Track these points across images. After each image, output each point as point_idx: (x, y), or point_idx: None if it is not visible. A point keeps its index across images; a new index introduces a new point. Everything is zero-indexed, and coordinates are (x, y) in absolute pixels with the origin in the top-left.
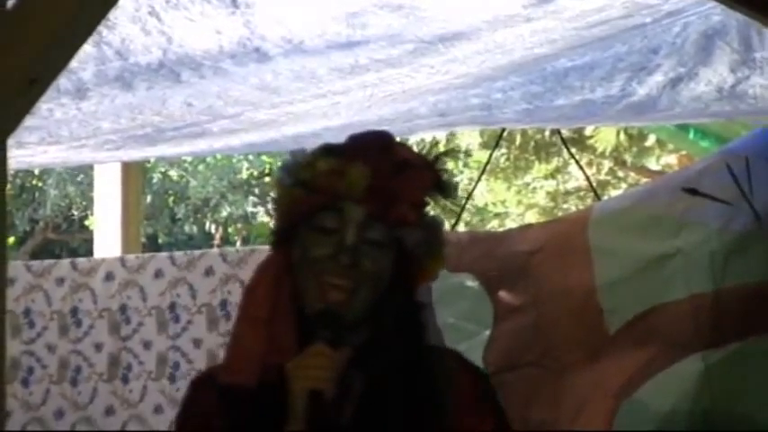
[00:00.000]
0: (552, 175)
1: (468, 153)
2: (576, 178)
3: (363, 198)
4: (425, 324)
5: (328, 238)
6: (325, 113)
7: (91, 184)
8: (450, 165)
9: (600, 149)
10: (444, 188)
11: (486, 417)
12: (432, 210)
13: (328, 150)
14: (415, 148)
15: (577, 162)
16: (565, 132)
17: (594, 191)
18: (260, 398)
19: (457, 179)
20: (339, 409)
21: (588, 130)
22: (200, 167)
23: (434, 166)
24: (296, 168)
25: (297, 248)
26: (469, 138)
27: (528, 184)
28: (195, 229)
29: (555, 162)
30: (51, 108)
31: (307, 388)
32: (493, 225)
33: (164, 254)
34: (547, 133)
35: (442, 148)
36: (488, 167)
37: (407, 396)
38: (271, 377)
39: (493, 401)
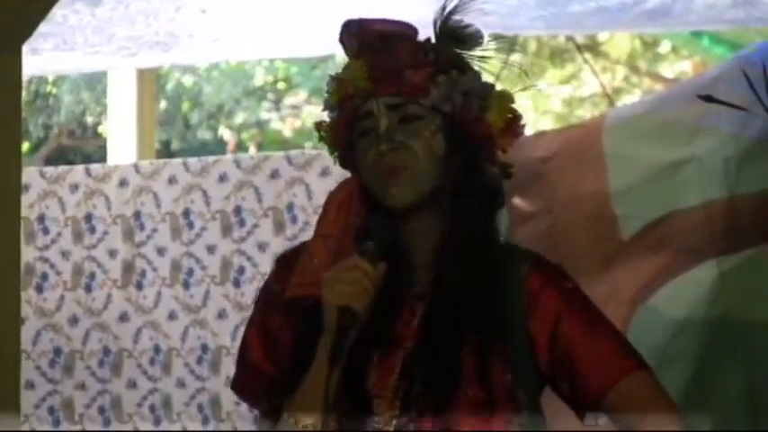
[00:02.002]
0: (567, 82)
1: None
2: (590, 85)
3: (375, 88)
4: (500, 198)
5: (369, 138)
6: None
7: (105, 91)
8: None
9: (614, 56)
10: (452, 43)
11: (561, 302)
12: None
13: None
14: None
15: (592, 68)
16: (579, 39)
17: (609, 97)
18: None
19: (474, 29)
20: (413, 310)
21: (602, 37)
22: (215, 74)
23: (455, 36)
24: (327, 102)
25: (358, 163)
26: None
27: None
28: (209, 135)
29: (569, 68)
30: (66, 14)
31: (337, 303)
32: None
33: (178, 160)
34: (561, 39)
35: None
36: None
37: (479, 300)
38: None
39: (563, 289)
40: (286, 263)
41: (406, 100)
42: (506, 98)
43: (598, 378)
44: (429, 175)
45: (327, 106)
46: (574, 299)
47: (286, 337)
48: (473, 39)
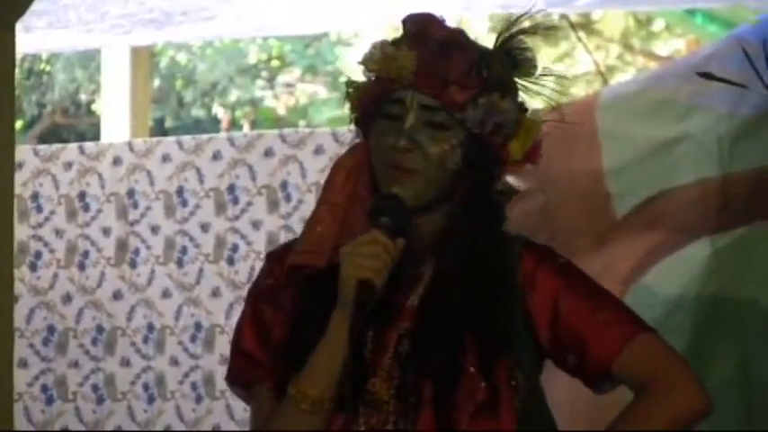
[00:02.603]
0: (560, 60)
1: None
2: (583, 63)
3: (416, 83)
4: (499, 209)
5: (393, 125)
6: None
7: (99, 69)
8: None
9: (608, 34)
10: (506, 64)
11: (557, 277)
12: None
13: (394, 39)
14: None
15: (585, 47)
16: (572, 17)
17: (602, 75)
18: (325, 278)
19: (531, 55)
20: (406, 298)
21: (596, 15)
22: (209, 52)
23: (510, 57)
24: (366, 59)
25: (372, 137)
26: (477, 24)
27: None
28: (203, 113)
29: (563, 46)
30: None
31: (356, 277)
32: None
33: (171, 138)
34: (555, 17)
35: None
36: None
37: (477, 285)
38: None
39: (557, 264)
40: (276, 258)
41: (440, 106)
42: (534, 130)
43: (605, 347)
44: (435, 184)
45: (365, 66)
46: (569, 273)
47: (279, 330)
48: (527, 66)
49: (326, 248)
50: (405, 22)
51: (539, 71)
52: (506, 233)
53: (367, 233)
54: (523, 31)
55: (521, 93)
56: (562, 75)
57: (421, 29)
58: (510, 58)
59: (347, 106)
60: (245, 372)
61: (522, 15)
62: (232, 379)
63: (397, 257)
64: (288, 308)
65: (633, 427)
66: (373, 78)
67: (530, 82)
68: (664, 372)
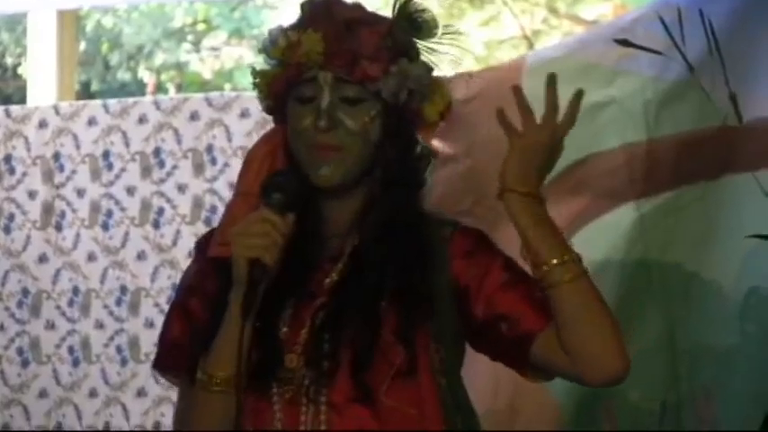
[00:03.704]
0: (486, 24)
1: (432, 51)
2: (509, 27)
3: (326, 63)
4: (419, 179)
5: (308, 107)
6: None
7: (25, 32)
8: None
9: None
10: (409, 30)
11: (489, 263)
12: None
13: (293, 24)
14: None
15: (511, 10)
16: None
17: (528, 39)
18: None
19: (430, 16)
20: (326, 275)
21: None
22: (134, 15)
23: (410, 21)
24: (268, 47)
25: (288, 123)
26: None
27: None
28: (129, 76)
29: (489, 10)
30: None
31: (246, 256)
32: None
33: (97, 101)
34: None
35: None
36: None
37: (389, 260)
38: None
39: (492, 248)
40: (200, 246)
41: (353, 80)
42: (446, 90)
43: (536, 319)
44: (360, 158)
45: (268, 55)
46: (502, 254)
47: (203, 316)
48: (428, 27)
49: None
50: (303, 5)
51: (439, 31)
52: (438, 213)
53: (256, 211)
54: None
55: (426, 55)
56: (460, 32)
57: (323, 10)
58: (410, 21)
59: (257, 95)
60: (172, 359)
61: None
62: (160, 366)
63: (288, 233)
64: (212, 295)
65: None
66: (279, 65)
67: (433, 43)
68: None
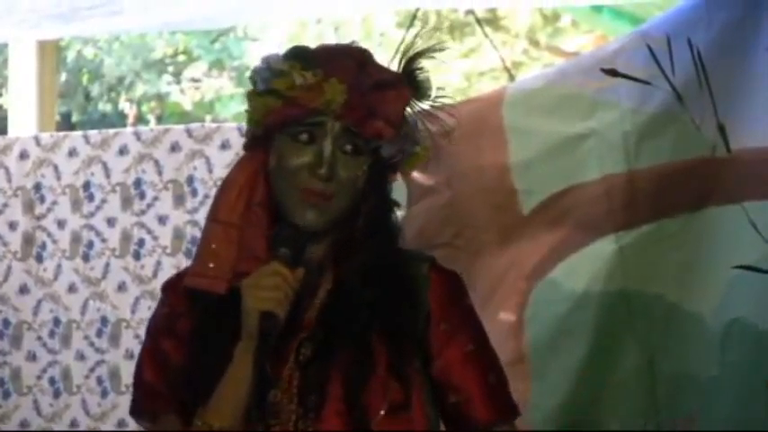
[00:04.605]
0: (466, 56)
1: (382, 34)
2: (490, 58)
3: (341, 113)
4: (397, 225)
5: (305, 149)
6: None
7: (6, 63)
8: (364, 45)
9: (514, 30)
10: (420, 94)
11: (461, 325)
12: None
13: (302, 58)
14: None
15: (492, 42)
16: (479, 12)
17: (509, 71)
18: (227, 305)
19: (427, 77)
20: (304, 311)
21: (502, 11)
22: (115, 46)
23: (410, 80)
24: (270, 77)
25: (273, 155)
26: (384, 18)
27: (441, 64)
28: (109, 107)
29: (469, 42)
30: None
31: (259, 309)
32: None
33: (78, 132)
34: (461, 13)
35: (358, 28)
36: (403, 47)
37: (377, 299)
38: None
39: (467, 306)
40: (170, 286)
41: (360, 134)
42: (428, 144)
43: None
44: (346, 206)
45: (268, 89)
46: (472, 317)
47: (177, 357)
48: (424, 89)
49: (226, 273)
50: (331, 52)
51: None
52: (412, 251)
53: (267, 264)
54: (422, 54)
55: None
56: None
57: (353, 65)
58: (411, 80)
59: (247, 119)
60: (148, 403)
61: (419, 33)
62: (137, 411)
63: (297, 287)
64: (184, 335)
65: None
66: (276, 96)
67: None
68: None
